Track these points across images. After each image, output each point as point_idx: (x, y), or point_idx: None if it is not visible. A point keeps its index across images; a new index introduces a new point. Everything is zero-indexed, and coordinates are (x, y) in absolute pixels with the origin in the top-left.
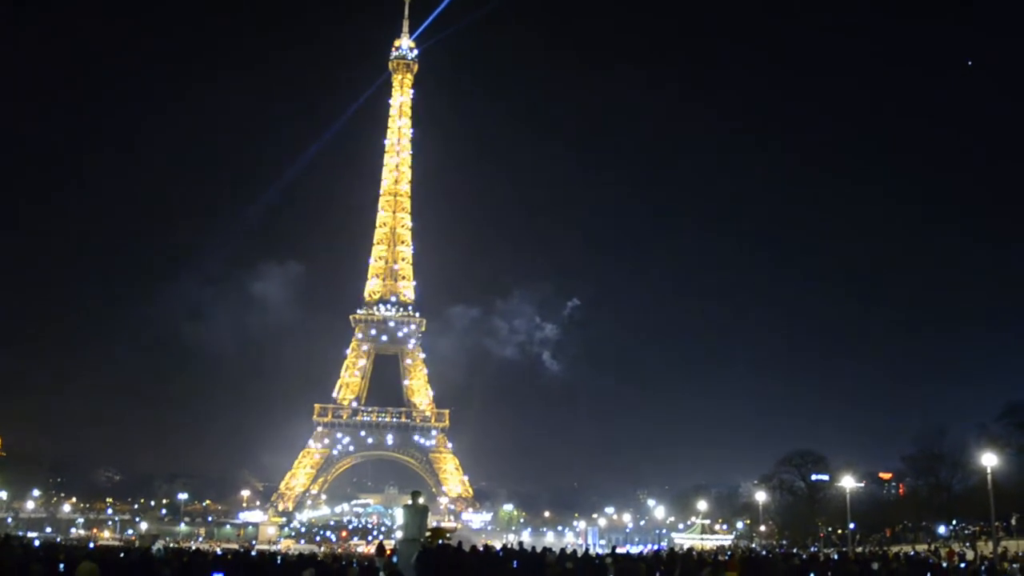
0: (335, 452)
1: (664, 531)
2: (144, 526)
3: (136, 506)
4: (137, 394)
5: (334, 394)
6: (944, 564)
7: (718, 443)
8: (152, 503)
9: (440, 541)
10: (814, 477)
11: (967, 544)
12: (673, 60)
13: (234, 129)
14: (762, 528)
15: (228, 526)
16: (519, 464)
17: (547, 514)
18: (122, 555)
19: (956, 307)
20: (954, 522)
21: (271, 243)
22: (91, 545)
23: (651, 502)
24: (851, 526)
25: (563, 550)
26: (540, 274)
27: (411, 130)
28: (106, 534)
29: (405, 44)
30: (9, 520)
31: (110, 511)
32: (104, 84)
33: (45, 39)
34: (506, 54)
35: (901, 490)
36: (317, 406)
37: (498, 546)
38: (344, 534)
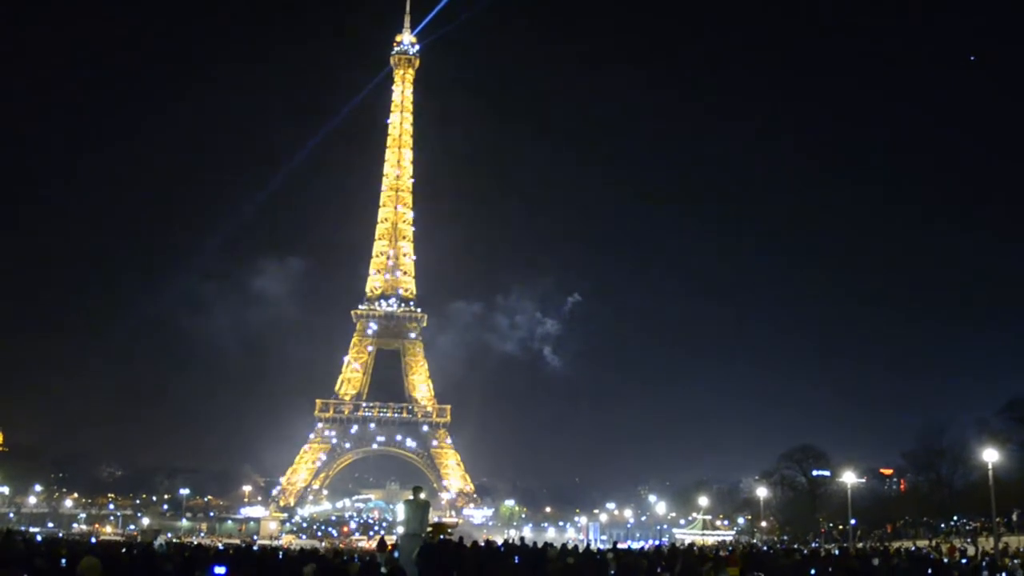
0: (336, 447)
1: (665, 527)
2: (146, 521)
3: (138, 501)
4: (139, 390)
5: (336, 389)
6: (945, 560)
7: (719, 439)
8: (154, 498)
9: (441, 536)
10: (815, 473)
11: (968, 540)
12: (674, 59)
13: (235, 127)
14: (763, 524)
15: (230, 521)
16: (520, 459)
17: (548, 509)
18: (124, 550)
19: (956, 304)
20: (955, 518)
21: (272, 239)
22: (93, 540)
23: (652, 498)
24: (852, 522)
25: (564, 545)
26: (541, 270)
27: (412, 125)
28: (108, 529)
29: (407, 39)
30: (11, 515)
31: (112, 506)
32: (104, 84)
33: (45, 39)
34: (507, 49)
35: (902, 486)
36: (319, 401)
37: (499, 541)
38: (345, 529)
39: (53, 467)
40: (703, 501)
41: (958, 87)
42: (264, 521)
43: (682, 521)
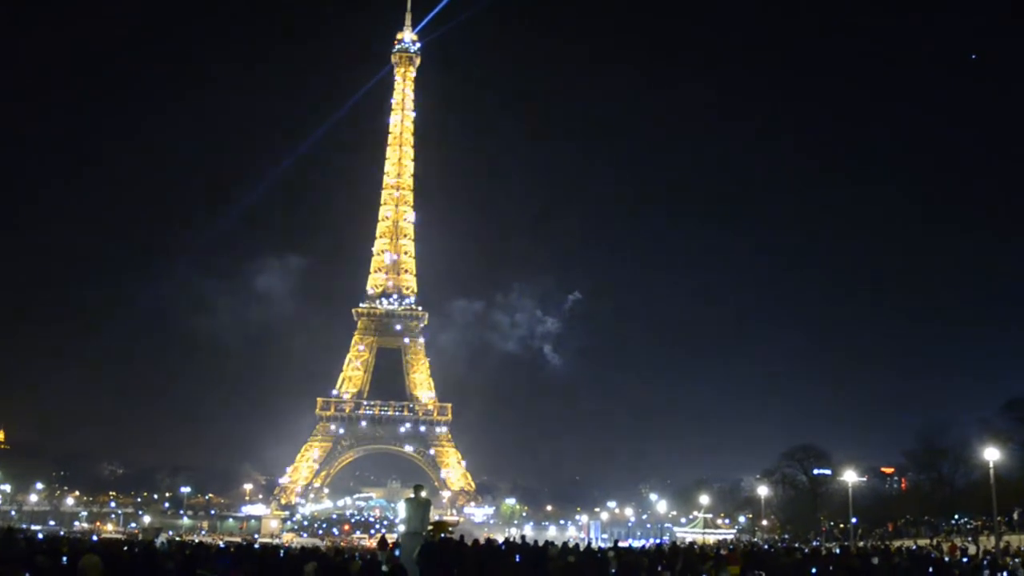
0: (337, 446)
1: (666, 525)
2: (147, 519)
3: (139, 499)
4: (140, 388)
5: (336, 388)
6: (946, 559)
7: (720, 437)
8: (155, 496)
9: (442, 535)
10: (816, 471)
11: (969, 539)
12: (674, 59)
13: (235, 126)
14: (764, 522)
15: (231, 519)
16: (521, 458)
17: (549, 508)
18: (125, 548)
19: (956, 304)
20: (956, 516)
21: (273, 237)
22: (94, 538)
23: (653, 496)
24: (853, 520)
25: (565, 544)
26: (541, 268)
27: (413, 123)
28: (109, 527)
29: (408, 37)
30: (13, 513)
31: (113, 504)
32: (104, 84)
33: (45, 39)
34: (507, 49)
35: (903, 484)
36: (320, 400)
37: (500, 540)
38: (347, 528)
39: (54, 465)
40: (704, 500)
41: (958, 87)
42: (265, 519)
43: (683, 520)
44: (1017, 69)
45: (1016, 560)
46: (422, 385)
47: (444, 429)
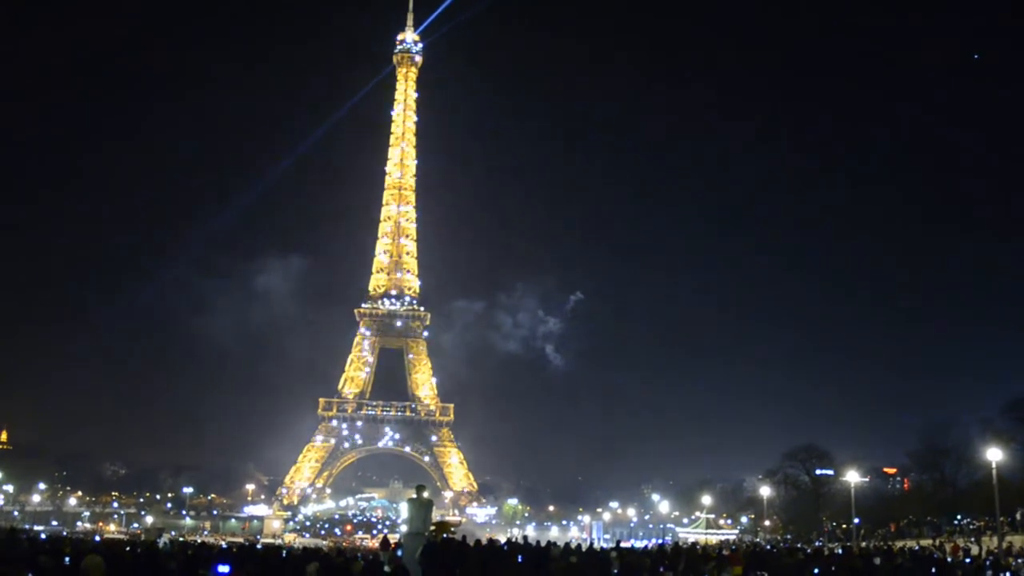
0: (339, 446)
1: (669, 526)
2: (150, 519)
3: (142, 500)
4: (141, 388)
5: (339, 388)
6: (949, 559)
7: (722, 438)
8: (158, 497)
9: (444, 535)
10: (819, 472)
11: (972, 539)
12: (674, 59)
13: (235, 126)
14: (766, 523)
15: (233, 520)
16: (523, 458)
17: (551, 508)
18: (128, 548)
19: (958, 303)
20: (959, 517)
21: (274, 237)
22: (97, 538)
23: (655, 496)
24: (855, 521)
25: (567, 544)
26: (543, 268)
27: (415, 123)
28: (112, 527)
29: (409, 37)
30: (15, 513)
31: (116, 504)
32: (104, 84)
33: (45, 39)
34: (508, 49)
35: (906, 485)
36: (322, 400)
37: (502, 540)
38: (349, 528)
39: (57, 465)
40: (706, 500)
41: (958, 87)
42: (267, 520)
43: (685, 520)
44: (1017, 69)
45: (1019, 560)
46: (424, 385)
47: (446, 429)
